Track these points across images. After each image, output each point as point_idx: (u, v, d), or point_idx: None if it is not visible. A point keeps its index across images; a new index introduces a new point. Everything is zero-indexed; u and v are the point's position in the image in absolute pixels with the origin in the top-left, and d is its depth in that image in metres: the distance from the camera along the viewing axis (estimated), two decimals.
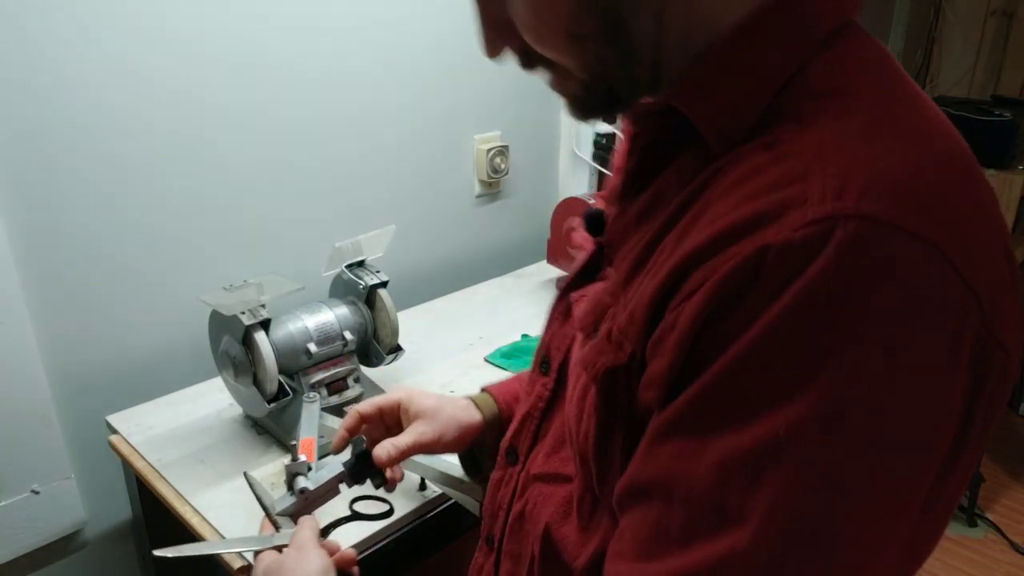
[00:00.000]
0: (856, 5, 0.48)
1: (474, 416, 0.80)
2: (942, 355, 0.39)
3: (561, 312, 0.64)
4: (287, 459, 0.76)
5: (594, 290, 0.57)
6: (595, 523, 0.56)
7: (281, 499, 0.74)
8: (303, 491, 0.73)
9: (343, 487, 0.79)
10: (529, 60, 0.54)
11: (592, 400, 0.52)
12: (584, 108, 0.53)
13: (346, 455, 0.79)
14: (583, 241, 0.65)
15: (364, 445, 0.79)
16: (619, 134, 1.81)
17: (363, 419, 0.81)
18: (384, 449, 0.76)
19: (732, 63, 0.47)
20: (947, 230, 0.39)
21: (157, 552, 0.70)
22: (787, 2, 0.46)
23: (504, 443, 0.69)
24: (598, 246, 0.60)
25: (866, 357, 0.38)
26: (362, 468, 0.77)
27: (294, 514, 0.74)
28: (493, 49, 0.55)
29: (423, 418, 0.79)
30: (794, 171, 0.41)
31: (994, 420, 0.44)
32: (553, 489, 0.61)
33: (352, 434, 0.80)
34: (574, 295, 0.61)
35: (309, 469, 0.76)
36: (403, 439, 0.77)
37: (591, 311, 0.54)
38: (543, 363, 0.66)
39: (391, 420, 0.82)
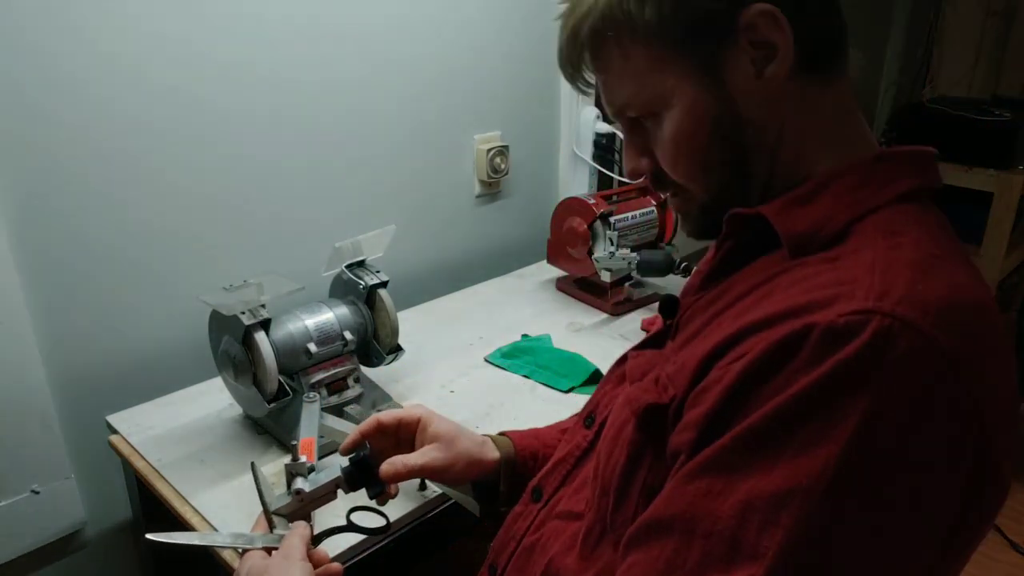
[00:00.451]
0: (934, 178, 0.58)
1: (488, 453, 0.82)
2: (942, 448, 0.46)
3: (616, 376, 0.72)
4: (288, 459, 0.76)
5: (652, 352, 0.65)
6: (596, 554, 0.61)
7: (279, 497, 0.74)
8: (299, 492, 0.73)
9: (341, 493, 0.79)
10: (661, 182, 0.63)
11: (628, 434, 0.58)
12: (699, 226, 0.64)
13: (347, 460, 0.79)
14: (653, 323, 0.75)
15: (365, 454, 0.78)
16: (621, 136, 1.81)
17: (381, 427, 0.81)
18: (393, 465, 0.76)
19: (819, 196, 0.56)
20: (967, 353, 0.47)
21: (149, 536, 0.70)
22: (878, 161, 0.57)
23: (532, 482, 0.75)
24: (667, 325, 0.68)
25: (883, 429, 0.44)
26: (360, 476, 0.77)
27: (289, 514, 0.74)
28: (635, 172, 0.65)
29: (439, 442, 0.79)
30: (846, 276, 0.49)
31: (982, 534, 0.52)
32: (566, 525, 0.67)
33: (366, 438, 0.80)
34: (632, 353, 0.68)
35: (311, 470, 0.75)
36: (414, 459, 0.77)
37: (643, 364, 0.63)
38: (589, 417, 0.73)
39: (406, 434, 0.82)
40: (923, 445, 0.45)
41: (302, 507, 0.74)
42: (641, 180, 0.67)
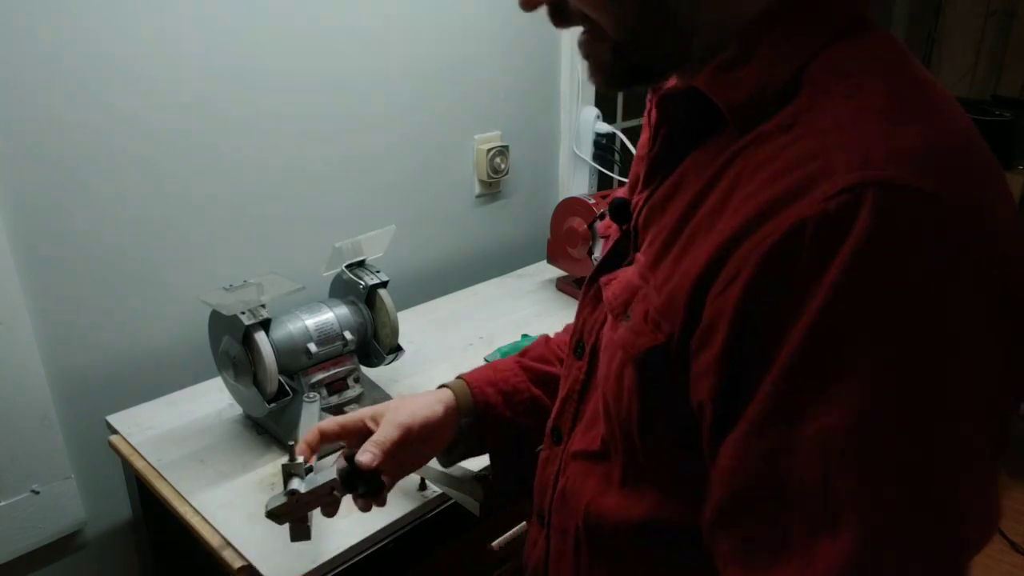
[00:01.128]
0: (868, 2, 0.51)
1: (445, 397, 0.80)
2: (982, 308, 0.40)
3: (592, 298, 0.66)
4: (285, 459, 0.75)
5: (623, 274, 0.58)
6: (639, 492, 0.57)
7: (274, 497, 0.74)
8: (294, 492, 0.73)
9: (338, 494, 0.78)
10: (562, 15, 0.53)
11: (631, 381, 0.54)
12: (610, 75, 0.53)
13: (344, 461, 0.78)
14: (609, 229, 0.68)
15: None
16: (621, 136, 1.81)
17: (324, 436, 0.77)
18: (366, 452, 0.73)
19: (752, 49, 0.49)
20: (968, 193, 0.41)
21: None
22: None
23: (549, 424, 0.72)
24: (624, 233, 0.63)
25: (925, 312, 0.39)
26: (356, 476, 0.75)
27: (283, 515, 0.73)
28: (529, 1, 0.53)
29: (390, 411, 0.78)
30: (815, 146, 0.43)
31: None
32: (590, 466, 0.63)
33: (313, 450, 0.77)
34: (603, 279, 0.62)
35: (308, 471, 0.75)
36: (379, 434, 0.75)
37: (620, 293, 0.57)
38: (578, 347, 0.68)
39: (355, 432, 0.78)
40: (964, 317, 0.40)
41: (296, 508, 0.73)
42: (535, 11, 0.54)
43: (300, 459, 0.74)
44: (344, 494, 0.76)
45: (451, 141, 1.58)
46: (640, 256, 0.57)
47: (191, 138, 1.20)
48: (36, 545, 1.16)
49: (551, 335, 0.92)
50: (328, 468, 0.76)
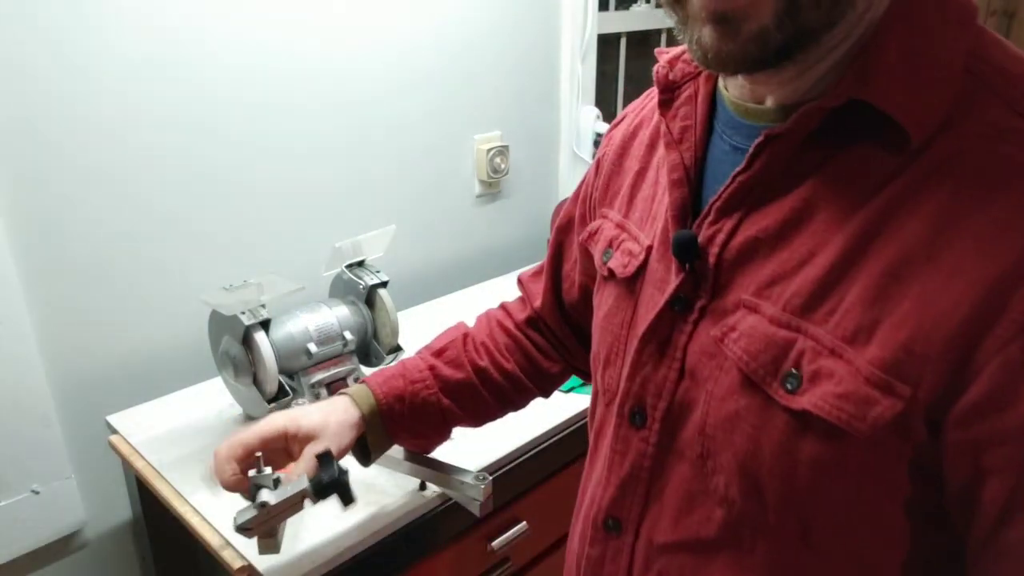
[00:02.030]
0: None
1: (350, 417, 0.77)
2: None
3: (654, 353, 0.55)
4: (252, 471, 0.72)
5: (741, 324, 0.49)
6: (794, 572, 0.49)
7: (243, 511, 0.70)
8: (263, 504, 0.69)
9: (308, 505, 0.73)
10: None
11: (815, 455, 0.45)
12: (761, 46, 0.44)
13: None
14: (627, 268, 0.60)
15: (334, 462, 0.72)
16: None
17: (248, 451, 0.72)
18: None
19: (919, 48, 0.44)
20: None
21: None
22: None
23: (597, 513, 0.61)
24: (689, 274, 0.53)
25: None
26: (329, 486, 0.71)
27: (253, 528, 0.69)
28: None
29: (315, 439, 0.74)
30: None
31: None
32: (702, 559, 0.53)
33: (242, 465, 0.72)
34: (687, 328, 0.53)
35: (277, 482, 0.71)
36: (300, 469, 0.71)
37: (764, 348, 0.47)
38: (635, 415, 0.57)
39: (277, 446, 0.75)
40: None
41: (268, 519, 0.70)
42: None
43: (267, 470, 0.71)
44: (317, 502, 0.72)
45: (451, 141, 1.58)
46: (754, 299, 0.49)
47: (191, 138, 1.20)
48: (36, 545, 1.16)
49: (468, 327, 0.89)
50: (299, 478, 0.71)
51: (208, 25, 1.17)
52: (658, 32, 2.10)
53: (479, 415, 0.85)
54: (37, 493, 1.14)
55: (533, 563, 1.17)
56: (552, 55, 1.72)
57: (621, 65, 2.00)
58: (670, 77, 0.59)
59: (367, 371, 1.19)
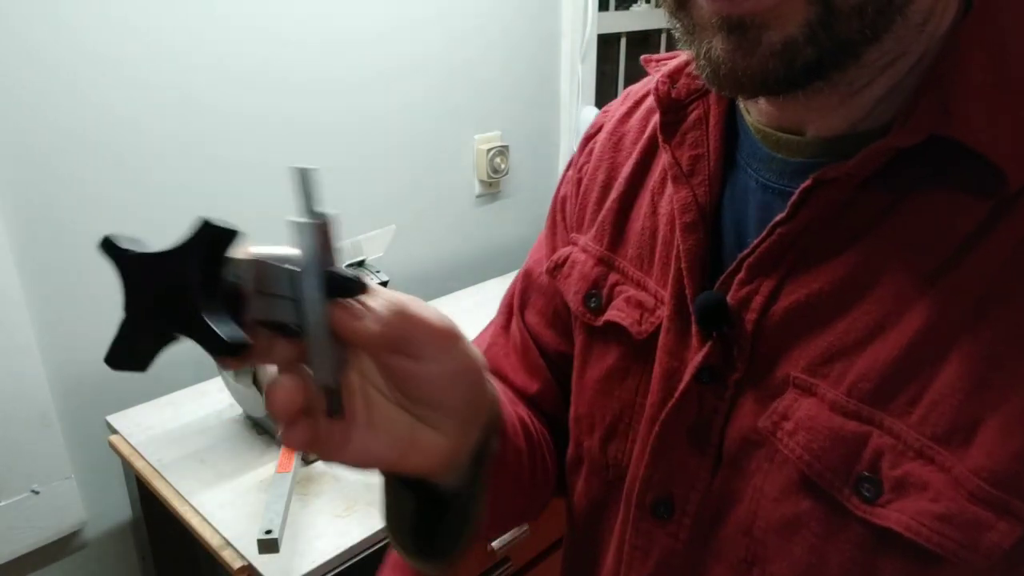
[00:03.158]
0: None
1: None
2: None
3: (684, 436, 0.46)
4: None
5: (795, 411, 0.40)
6: None
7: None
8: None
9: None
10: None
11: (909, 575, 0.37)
12: (786, 66, 0.36)
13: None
14: (671, 332, 0.47)
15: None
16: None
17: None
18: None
19: (1013, 68, 0.37)
20: None
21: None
22: None
23: None
24: (717, 341, 0.44)
25: None
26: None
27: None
28: None
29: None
30: None
31: None
32: None
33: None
34: (735, 426, 0.44)
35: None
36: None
37: (829, 446, 0.38)
38: (659, 506, 0.47)
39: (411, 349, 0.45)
40: None
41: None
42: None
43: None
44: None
45: (451, 141, 1.58)
46: (807, 378, 0.40)
47: (192, 139, 1.20)
48: (36, 545, 1.16)
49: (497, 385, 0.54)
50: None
51: (210, 30, 1.17)
52: (658, 32, 2.10)
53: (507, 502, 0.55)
54: (37, 493, 1.14)
55: (533, 563, 1.17)
56: (552, 55, 1.72)
57: (621, 65, 2.00)
58: (673, 95, 0.49)
59: None
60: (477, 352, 0.41)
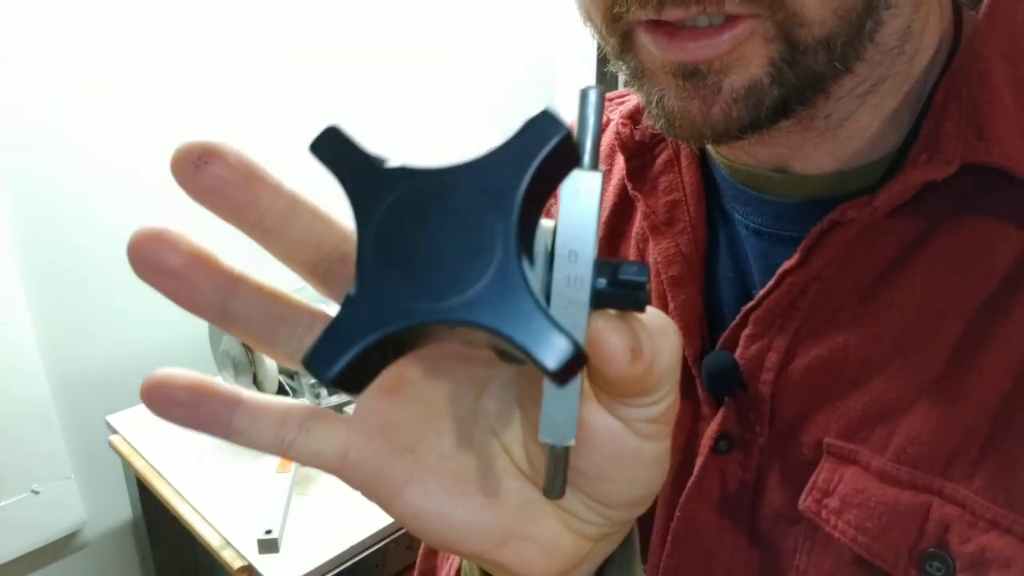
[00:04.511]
0: None
1: None
2: None
3: (712, 518, 0.40)
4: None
5: (849, 486, 0.34)
6: None
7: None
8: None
9: None
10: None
11: None
12: (754, 107, 0.32)
13: None
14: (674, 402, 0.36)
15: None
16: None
17: None
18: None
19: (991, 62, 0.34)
20: None
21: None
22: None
23: None
24: (731, 405, 0.39)
25: None
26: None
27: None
28: None
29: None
30: None
31: None
32: None
33: None
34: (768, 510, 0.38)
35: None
36: None
37: (887, 525, 0.33)
38: None
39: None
40: None
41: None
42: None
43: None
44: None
45: (451, 141, 1.58)
46: (844, 444, 0.35)
47: (191, 138, 1.19)
48: (36, 545, 1.16)
49: None
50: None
51: (210, 31, 1.17)
52: None
53: None
54: (37, 493, 1.14)
55: None
56: (552, 55, 1.72)
57: None
58: (636, 138, 0.44)
59: None
60: None
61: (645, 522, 0.42)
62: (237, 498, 0.96)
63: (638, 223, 0.45)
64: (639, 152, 0.44)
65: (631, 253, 0.46)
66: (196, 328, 1.19)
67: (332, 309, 0.20)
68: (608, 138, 0.48)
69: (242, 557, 0.87)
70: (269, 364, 0.99)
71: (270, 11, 1.23)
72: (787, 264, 0.36)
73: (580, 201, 0.20)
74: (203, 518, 0.93)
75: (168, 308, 1.04)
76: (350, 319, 0.19)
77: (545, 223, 0.21)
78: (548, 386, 0.22)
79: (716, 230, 0.42)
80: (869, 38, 0.32)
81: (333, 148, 0.21)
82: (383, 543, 0.93)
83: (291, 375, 1.08)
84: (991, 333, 0.32)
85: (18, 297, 1.06)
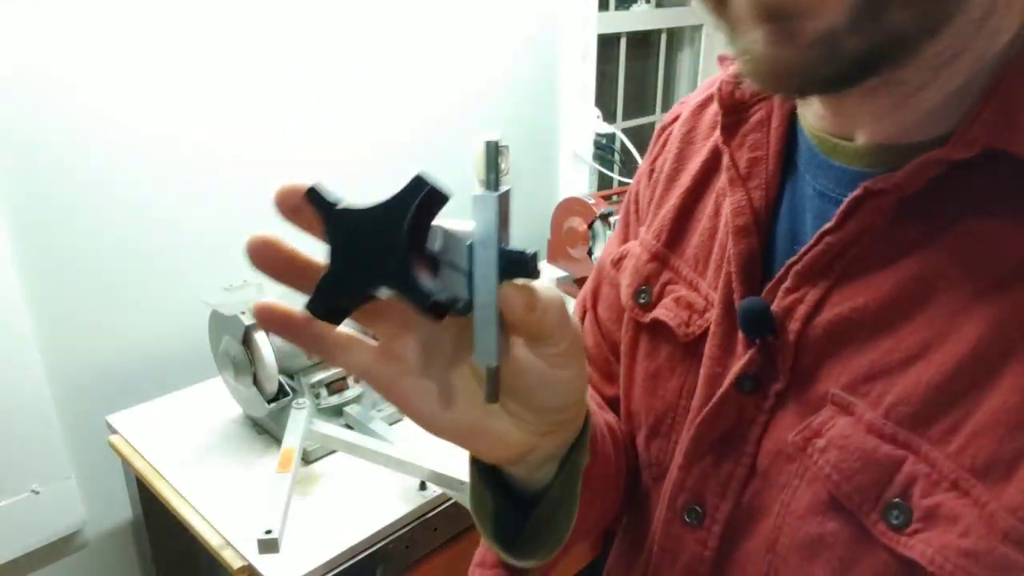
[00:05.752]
0: None
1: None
2: None
3: (717, 444, 0.45)
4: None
5: (829, 428, 0.39)
6: None
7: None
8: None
9: None
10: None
11: None
12: (832, 54, 0.33)
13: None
14: (716, 336, 0.46)
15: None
16: (621, 136, 1.81)
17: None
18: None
19: None
20: None
21: None
22: None
23: None
24: (760, 349, 0.43)
25: None
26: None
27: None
28: None
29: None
30: None
31: None
32: None
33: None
34: (771, 438, 0.43)
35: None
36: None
37: (862, 468, 0.37)
38: (691, 511, 0.46)
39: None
40: None
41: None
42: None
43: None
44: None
45: (451, 141, 1.58)
46: (846, 395, 0.39)
47: (191, 138, 1.20)
48: (36, 545, 1.16)
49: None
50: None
51: (209, 29, 1.17)
52: (658, 32, 2.10)
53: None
54: (37, 493, 1.14)
55: None
56: (552, 55, 1.72)
57: (621, 65, 2.00)
58: (736, 95, 0.48)
59: None
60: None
61: (673, 439, 0.50)
62: (237, 498, 0.96)
63: (723, 176, 0.49)
64: (735, 109, 0.48)
65: (709, 206, 0.50)
66: (196, 328, 1.19)
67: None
68: (707, 94, 0.53)
69: (242, 557, 0.87)
70: (269, 364, 0.99)
71: (270, 12, 1.23)
72: (827, 225, 0.40)
73: (487, 212, 0.36)
74: (203, 518, 0.93)
75: (168, 308, 1.05)
76: (328, 287, 0.35)
77: (466, 228, 0.36)
78: (476, 330, 0.33)
79: (787, 190, 0.46)
80: (957, 2, 0.33)
81: (314, 196, 0.38)
82: (383, 543, 0.93)
83: (291, 375, 1.08)
84: (990, 314, 0.35)
85: (18, 296, 1.06)
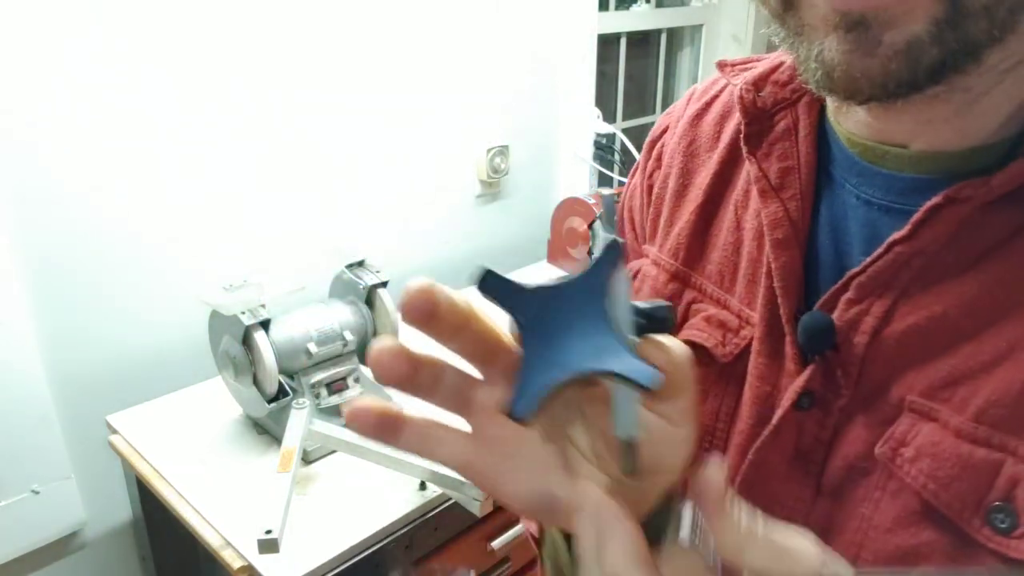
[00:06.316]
0: None
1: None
2: None
3: (782, 467, 0.43)
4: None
5: (925, 439, 0.37)
6: None
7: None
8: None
9: None
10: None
11: None
12: (912, 63, 0.33)
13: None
14: (762, 354, 0.44)
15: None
16: (621, 136, 1.80)
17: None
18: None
19: None
20: None
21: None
22: None
23: None
24: (820, 365, 0.42)
25: None
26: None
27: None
28: None
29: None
30: None
31: None
32: None
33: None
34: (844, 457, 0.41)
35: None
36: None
37: (958, 475, 0.36)
38: None
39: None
40: None
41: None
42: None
43: None
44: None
45: (451, 141, 1.58)
46: (927, 402, 0.38)
47: (191, 139, 1.20)
48: (36, 545, 1.16)
49: None
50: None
51: (209, 29, 1.17)
52: (658, 32, 2.10)
53: None
54: (37, 493, 1.14)
55: (533, 563, 1.17)
56: (552, 55, 1.72)
57: (621, 65, 2.00)
58: (758, 104, 0.47)
59: (367, 371, 1.19)
60: None
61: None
62: (237, 498, 0.96)
63: (740, 187, 0.48)
64: (759, 118, 0.47)
65: (727, 219, 0.49)
66: (196, 328, 1.19)
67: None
68: (723, 102, 0.52)
69: (242, 557, 0.87)
70: (269, 364, 0.99)
71: (269, 12, 1.23)
72: (897, 234, 0.38)
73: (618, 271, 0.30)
74: (203, 518, 0.93)
75: (168, 308, 1.05)
76: (532, 377, 0.29)
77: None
78: (617, 401, 0.30)
79: (824, 200, 0.44)
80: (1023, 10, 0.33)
81: (490, 283, 0.29)
82: (383, 543, 0.93)
83: (291, 375, 1.08)
84: None
85: (18, 297, 1.06)
